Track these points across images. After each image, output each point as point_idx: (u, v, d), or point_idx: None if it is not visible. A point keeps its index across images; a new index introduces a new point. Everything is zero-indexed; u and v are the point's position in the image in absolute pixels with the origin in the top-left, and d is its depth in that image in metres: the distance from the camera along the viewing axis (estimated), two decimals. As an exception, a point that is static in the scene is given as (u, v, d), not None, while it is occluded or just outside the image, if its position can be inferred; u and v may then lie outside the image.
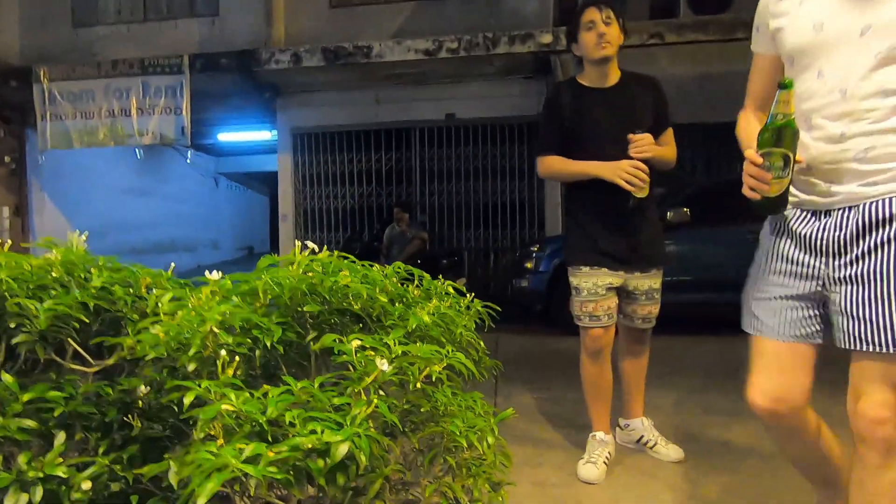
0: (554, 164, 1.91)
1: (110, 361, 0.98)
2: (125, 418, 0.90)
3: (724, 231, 4.51)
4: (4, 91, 6.92)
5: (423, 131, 6.79)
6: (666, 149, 1.90)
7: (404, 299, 0.89)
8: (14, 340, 0.82)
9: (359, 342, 0.69)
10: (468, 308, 1.10)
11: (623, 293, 1.94)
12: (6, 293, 0.82)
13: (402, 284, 0.94)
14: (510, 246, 6.53)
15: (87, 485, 0.84)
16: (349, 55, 5.97)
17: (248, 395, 0.64)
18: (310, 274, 0.81)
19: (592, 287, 1.87)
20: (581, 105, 1.87)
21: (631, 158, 1.75)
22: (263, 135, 8.55)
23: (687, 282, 4.42)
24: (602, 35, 1.80)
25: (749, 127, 1.20)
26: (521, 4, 6.39)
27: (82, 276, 1.00)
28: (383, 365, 0.64)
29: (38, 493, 0.80)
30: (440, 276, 1.10)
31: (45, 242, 1.06)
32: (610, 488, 1.83)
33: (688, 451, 2.05)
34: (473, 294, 1.13)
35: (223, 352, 0.67)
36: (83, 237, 1.11)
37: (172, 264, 1.16)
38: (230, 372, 0.67)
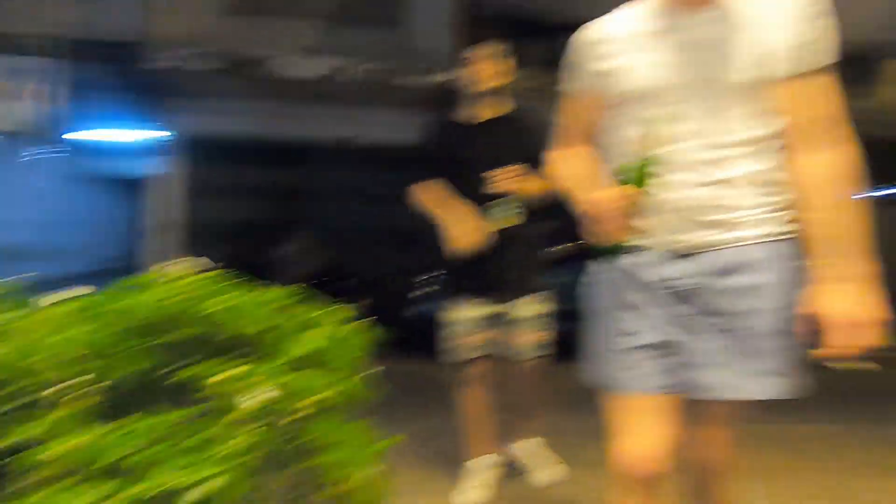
0: (420, 197, 2.01)
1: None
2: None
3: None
4: None
5: (325, 150, 6.66)
6: (533, 183, 1.89)
7: (288, 325, 0.85)
8: None
9: (245, 369, 0.65)
10: (357, 334, 1.08)
11: (500, 323, 1.96)
12: None
13: (289, 308, 0.91)
14: (404, 271, 6.57)
15: None
16: (249, 63, 5.72)
17: (101, 431, 0.57)
18: (181, 297, 0.75)
19: (465, 321, 1.91)
20: (455, 138, 1.97)
21: (499, 192, 1.85)
22: (148, 135, 7.75)
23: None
24: (484, 73, 1.91)
25: (583, 164, 1.13)
26: (426, 41, 6.64)
27: None
28: (250, 399, 0.61)
29: None
30: (335, 299, 1.08)
31: None
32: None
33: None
34: (365, 319, 1.12)
35: (72, 380, 0.59)
36: None
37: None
38: (75, 405, 0.59)
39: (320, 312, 1.01)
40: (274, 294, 0.96)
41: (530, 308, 1.98)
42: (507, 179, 1.83)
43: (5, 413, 0.69)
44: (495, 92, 1.95)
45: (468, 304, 1.92)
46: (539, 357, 2.01)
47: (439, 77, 5.93)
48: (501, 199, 1.86)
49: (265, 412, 0.64)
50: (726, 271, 0.98)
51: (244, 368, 0.66)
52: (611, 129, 1.08)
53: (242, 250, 6.49)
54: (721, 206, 0.98)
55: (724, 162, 0.98)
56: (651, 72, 0.99)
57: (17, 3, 6.16)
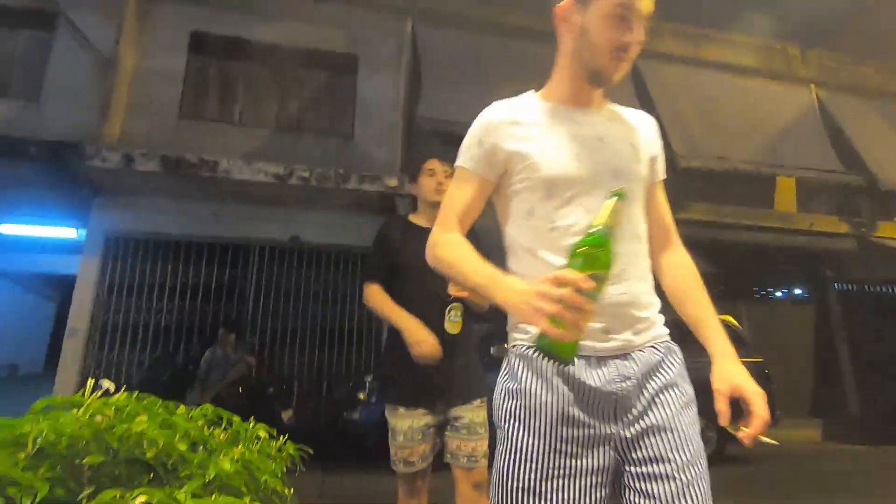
0: (375, 297, 1.93)
1: None
2: None
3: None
4: None
5: (263, 250, 6.61)
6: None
7: (207, 445, 0.81)
8: None
9: (144, 498, 0.61)
10: (279, 451, 1.04)
11: (444, 428, 1.87)
12: None
13: (210, 427, 0.86)
14: (344, 374, 6.32)
15: None
16: (192, 166, 5.77)
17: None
18: (98, 418, 0.71)
19: (408, 430, 1.81)
20: (408, 241, 1.94)
21: (449, 297, 1.85)
22: (66, 232, 7.36)
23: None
24: (441, 184, 1.97)
25: (471, 251, 0.99)
26: (372, 149, 7.08)
27: None
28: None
29: None
30: (259, 409, 1.04)
31: None
32: None
33: None
34: (286, 436, 1.08)
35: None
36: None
37: None
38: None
39: (246, 429, 0.96)
40: (196, 412, 0.92)
41: (478, 413, 1.89)
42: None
43: None
44: None
45: (411, 411, 1.82)
46: (485, 464, 1.88)
47: (387, 183, 6.24)
48: (455, 302, 1.87)
49: None
50: (649, 374, 0.93)
51: (167, 489, 0.60)
52: (526, 212, 0.99)
53: (166, 352, 6.02)
54: (642, 303, 0.95)
55: (636, 257, 0.97)
56: (562, 160, 0.96)
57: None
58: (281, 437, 0.98)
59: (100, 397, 0.76)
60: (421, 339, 1.77)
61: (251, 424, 0.94)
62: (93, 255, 6.13)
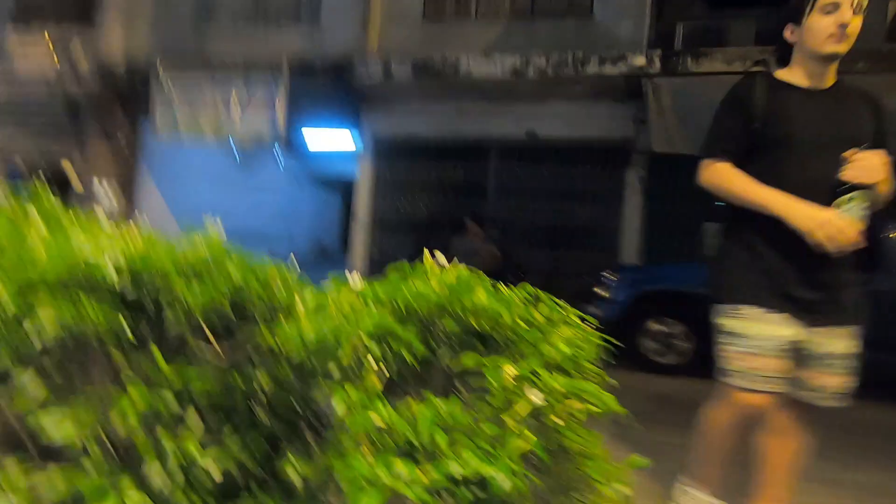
0: (727, 178, 1.45)
1: (242, 357, 1.02)
2: (248, 405, 0.93)
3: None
4: (128, 79, 7.68)
5: (502, 147, 6.78)
6: (886, 181, 1.43)
7: (533, 323, 0.85)
8: (167, 324, 0.87)
9: (512, 369, 0.66)
10: (592, 340, 1.04)
11: (802, 355, 1.44)
12: (163, 275, 0.88)
13: (531, 308, 0.91)
14: (579, 271, 6.34)
15: (216, 471, 0.87)
16: (438, 69, 6.10)
17: (393, 410, 0.63)
18: (444, 289, 0.79)
19: (767, 337, 1.37)
20: (783, 105, 1.44)
21: (843, 183, 1.34)
22: (348, 140, 8.88)
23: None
24: (844, 25, 1.38)
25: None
26: (614, 25, 6.25)
27: (222, 269, 1.05)
28: (537, 397, 0.61)
29: (179, 474, 0.83)
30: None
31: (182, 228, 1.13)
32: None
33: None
34: (594, 324, 1.08)
35: (370, 358, 0.67)
36: (218, 224, 1.18)
37: (292, 255, 1.21)
38: (375, 381, 0.66)
39: (559, 312, 1.00)
40: (516, 293, 0.98)
41: (846, 343, 1.46)
42: (869, 167, 1.33)
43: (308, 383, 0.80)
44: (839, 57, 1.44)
45: (770, 314, 1.39)
46: (838, 407, 1.49)
47: (633, 62, 5.54)
48: (852, 190, 1.35)
49: (538, 413, 0.64)
50: None
51: (523, 363, 0.67)
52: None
53: (426, 242, 7.00)
54: None
55: None
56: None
57: (254, 30, 7.59)
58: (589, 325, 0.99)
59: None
60: (824, 219, 1.31)
61: (566, 308, 0.96)
62: (366, 158, 7.29)
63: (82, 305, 0.82)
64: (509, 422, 0.62)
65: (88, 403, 0.82)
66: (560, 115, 6.35)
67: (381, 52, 6.74)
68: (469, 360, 0.70)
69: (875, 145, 1.40)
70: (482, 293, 0.80)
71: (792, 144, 1.42)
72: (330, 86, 6.88)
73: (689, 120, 5.52)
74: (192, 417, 0.91)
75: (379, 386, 0.66)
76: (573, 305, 0.99)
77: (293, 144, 7.78)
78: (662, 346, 4.51)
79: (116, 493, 0.81)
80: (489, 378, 0.66)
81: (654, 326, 4.54)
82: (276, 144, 7.77)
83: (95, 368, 0.88)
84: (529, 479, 0.58)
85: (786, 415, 1.51)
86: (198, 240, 1.06)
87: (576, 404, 0.68)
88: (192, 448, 0.86)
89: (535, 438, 0.60)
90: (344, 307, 0.79)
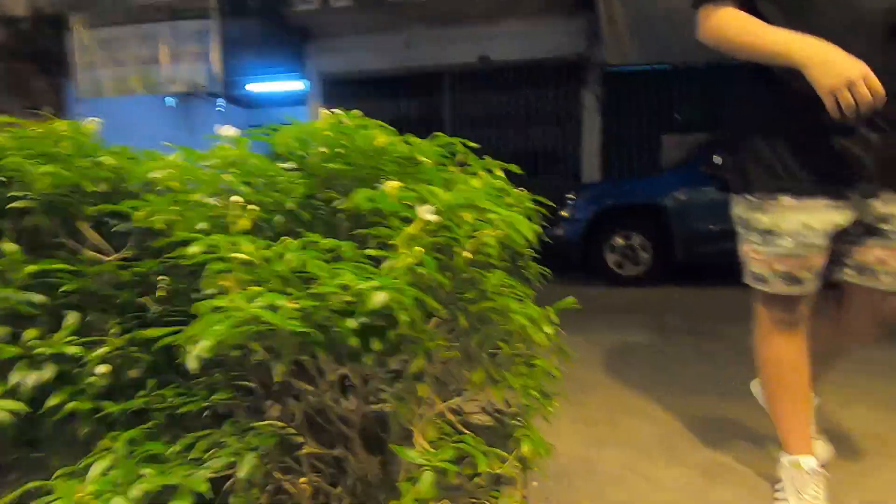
0: (734, 23, 1.11)
1: (127, 253, 0.90)
2: (140, 301, 0.82)
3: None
4: (40, 39, 6.95)
5: (454, 75, 6.50)
6: None
7: (445, 171, 0.76)
8: (11, 205, 0.74)
9: (396, 183, 0.57)
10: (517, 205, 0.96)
11: (857, 230, 1.16)
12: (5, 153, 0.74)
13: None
14: (543, 195, 6.30)
15: (102, 368, 0.78)
16: (380, -7, 5.69)
17: (265, 246, 0.53)
18: (334, 131, 0.68)
19: (800, 230, 1.11)
20: None
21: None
22: (294, 84, 8.39)
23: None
24: None
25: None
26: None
27: (94, 155, 0.91)
28: (427, 212, 0.52)
29: (49, 370, 0.73)
30: None
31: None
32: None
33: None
34: (523, 189, 1.00)
35: (235, 198, 0.56)
36: (96, 122, 1.02)
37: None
38: (246, 224, 0.56)
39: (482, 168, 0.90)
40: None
41: None
42: None
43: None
44: None
45: (805, 201, 1.11)
46: None
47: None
48: None
49: (443, 238, 0.55)
50: None
51: (418, 189, 0.57)
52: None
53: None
54: None
55: None
56: None
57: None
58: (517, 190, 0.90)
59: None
60: (848, 63, 0.96)
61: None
62: (315, 100, 6.91)
63: None
64: (396, 241, 0.53)
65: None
66: (512, 36, 6.08)
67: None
68: (359, 194, 0.60)
69: None
70: (379, 134, 0.70)
71: None
72: (266, 24, 6.37)
73: (641, 29, 5.35)
74: (71, 317, 0.80)
75: (247, 225, 0.56)
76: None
77: (233, 92, 7.31)
78: (624, 258, 4.58)
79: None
80: (378, 202, 0.57)
81: (617, 241, 4.58)
82: (215, 94, 7.27)
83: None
84: (421, 301, 0.50)
85: (869, 314, 1.24)
86: (64, 126, 0.91)
87: (488, 233, 0.60)
88: (72, 349, 0.76)
89: (422, 253, 0.51)
90: (217, 158, 0.67)
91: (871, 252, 1.15)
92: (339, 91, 6.82)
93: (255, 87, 8.74)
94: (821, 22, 1.03)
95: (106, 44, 6.71)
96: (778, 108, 1.15)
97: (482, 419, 0.96)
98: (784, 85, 1.11)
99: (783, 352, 1.23)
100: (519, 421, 0.85)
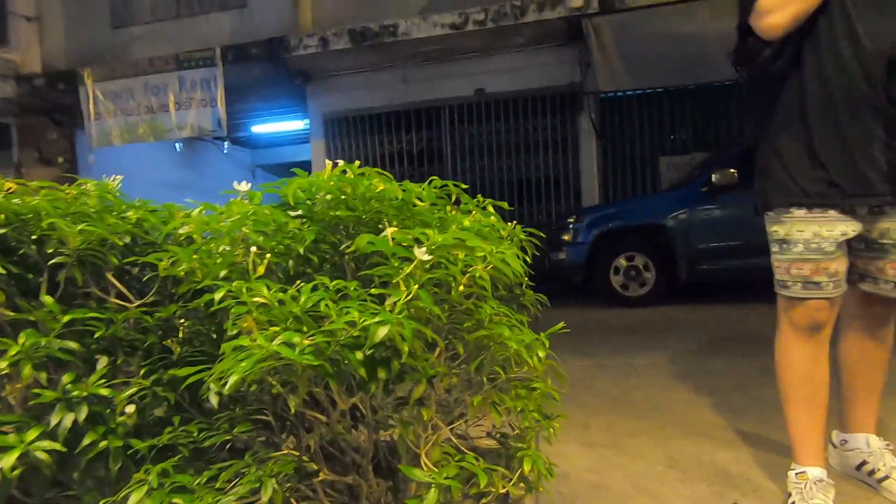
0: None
1: (150, 299, 0.97)
2: (163, 343, 0.89)
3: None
4: (54, 94, 7.26)
5: (452, 109, 6.69)
6: None
7: (440, 211, 0.83)
8: (51, 262, 0.82)
9: (394, 229, 0.63)
10: (510, 238, 1.03)
11: (864, 243, 1.26)
12: (38, 214, 0.81)
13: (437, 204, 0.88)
14: (545, 221, 6.38)
15: (131, 408, 0.84)
16: (375, 35, 5.93)
17: (280, 289, 0.60)
18: (337, 181, 0.76)
19: (813, 238, 1.21)
20: None
21: None
22: (296, 124, 8.65)
23: (737, 246, 4.22)
24: None
25: None
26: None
27: (119, 210, 0.99)
28: (422, 253, 0.59)
29: (83, 412, 0.79)
30: None
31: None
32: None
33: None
34: (514, 223, 1.06)
35: (253, 249, 0.63)
36: (117, 180, 1.11)
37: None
38: (261, 270, 0.63)
39: (474, 207, 0.98)
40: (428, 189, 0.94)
41: None
42: None
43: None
44: None
45: (815, 214, 1.21)
46: None
47: (570, 4, 5.48)
48: None
49: (439, 273, 0.61)
50: None
51: (414, 230, 0.64)
52: None
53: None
54: None
55: None
56: None
57: (179, 24, 7.24)
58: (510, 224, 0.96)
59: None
60: None
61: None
62: (317, 138, 7.10)
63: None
64: (397, 281, 0.59)
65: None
66: (506, 69, 6.29)
67: (315, 26, 6.52)
68: (361, 239, 0.67)
69: None
70: (378, 181, 0.77)
71: None
72: (268, 69, 6.63)
73: (632, 55, 5.53)
74: (103, 362, 0.87)
75: (261, 270, 0.63)
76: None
77: (238, 134, 7.53)
78: (629, 279, 4.61)
79: (23, 445, 0.76)
80: (378, 245, 0.63)
81: (621, 262, 4.62)
82: (221, 137, 7.51)
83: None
84: (420, 332, 0.56)
85: (866, 316, 1.35)
86: (90, 185, 0.99)
87: (479, 267, 0.66)
88: (104, 391, 0.82)
89: (424, 292, 0.57)
90: (233, 213, 0.74)
91: (873, 263, 1.26)
92: (340, 128, 7.02)
93: (260, 129, 9.02)
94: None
95: (115, 95, 6.99)
96: (790, 124, 1.24)
97: (488, 443, 1.00)
98: (803, 95, 1.20)
99: (799, 359, 1.28)
100: (522, 443, 0.89)
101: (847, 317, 1.37)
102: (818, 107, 1.19)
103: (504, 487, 0.71)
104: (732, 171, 4.25)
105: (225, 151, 8.43)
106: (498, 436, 0.98)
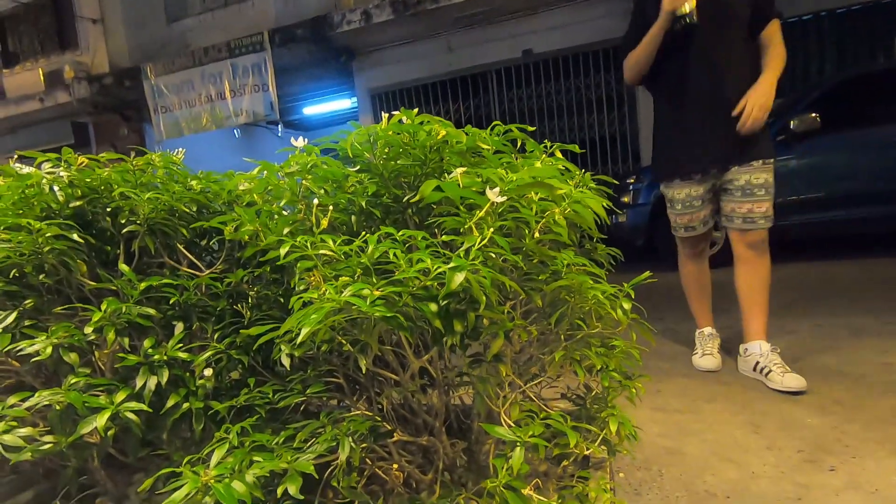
0: (632, 54, 1.86)
1: (219, 267, 0.98)
2: (234, 308, 0.90)
3: (864, 134, 3.81)
4: (121, 91, 7.69)
5: (499, 73, 6.48)
6: (772, 58, 1.77)
7: (507, 156, 0.76)
8: (124, 230, 0.83)
9: (462, 169, 0.58)
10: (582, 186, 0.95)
11: (719, 191, 1.87)
12: (109, 185, 0.83)
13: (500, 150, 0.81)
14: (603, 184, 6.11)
15: (208, 371, 0.85)
16: (418, 3, 5.79)
17: (345, 241, 0.57)
18: (395, 130, 0.71)
19: (686, 199, 1.89)
20: None
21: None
22: (345, 103, 8.71)
23: (818, 199, 3.84)
24: None
25: None
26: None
27: (184, 181, 1.00)
28: (495, 194, 0.53)
29: (165, 375, 0.81)
30: None
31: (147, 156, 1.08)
32: (723, 416, 1.61)
33: (817, 380, 1.74)
34: (584, 171, 0.98)
35: (315, 201, 0.60)
36: (181, 153, 1.12)
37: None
38: (325, 223, 0.60)
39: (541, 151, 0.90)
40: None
41: (757, 175, 1.82)
42: (754, 113, 1.73)
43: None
44: None
45: (685, 182, 1.88)
46: (764, 226, 1.84)
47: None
48: None
49: (511, 222, 0.56)
50: None
51: (484, 168, 0.59)
52: None
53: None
54: None
55: None
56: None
57: (228, 11, 7.39)
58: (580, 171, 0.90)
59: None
60: None
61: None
62: (365, 114, 7.12)
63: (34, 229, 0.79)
64: (469, 226, 0.54)
65: (60, 322, 0.80)
66: (554, 26, 5.97)
67: (357, 1, 6.46)
68: (427, 186, 0.62)
69: (756, 11, 1.74)
70: (439, 127, 0.72)
71: (677, 34, 1.77)
72: (314, 49, 6.67)
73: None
74: (179, 327, 0.88)
75: (324, 223, 0.60)
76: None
77: (290, 117, 7.68)
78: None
79: (113, 406, 0.80)
80: (446, 191, 0.59)
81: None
82: (274, 121, 7.69)
83: (65, 290, 0.86)
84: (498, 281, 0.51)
85: (740, 245, 1.86)
86: (156, 157, 1.01)
87: (556, 210, 0.60)
88: (183, 355, 0.84)
89: (499, 236, 0.52)
90: (296, 166, 0.72)
91: (727, 205, 1.85)
92: (387, 103, 7.00)
93: (311, 110, 9.17)
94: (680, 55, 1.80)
95: (177, 88, 7.31)
96: (666, 127, 1.93)
97: (563, 405, 0.95)
98: (665, 113, 1.92)
99: (691, 270, 2.07)
100: (601, 404, 0.83)
101: (734, 256, 1.89)
102: (669, 100, 1.88)
103: (589, 449, 0.66)
104: (814, 115, 3.84)
105: (279, 135, 8.65)
106: (574, 397, 0.93)
